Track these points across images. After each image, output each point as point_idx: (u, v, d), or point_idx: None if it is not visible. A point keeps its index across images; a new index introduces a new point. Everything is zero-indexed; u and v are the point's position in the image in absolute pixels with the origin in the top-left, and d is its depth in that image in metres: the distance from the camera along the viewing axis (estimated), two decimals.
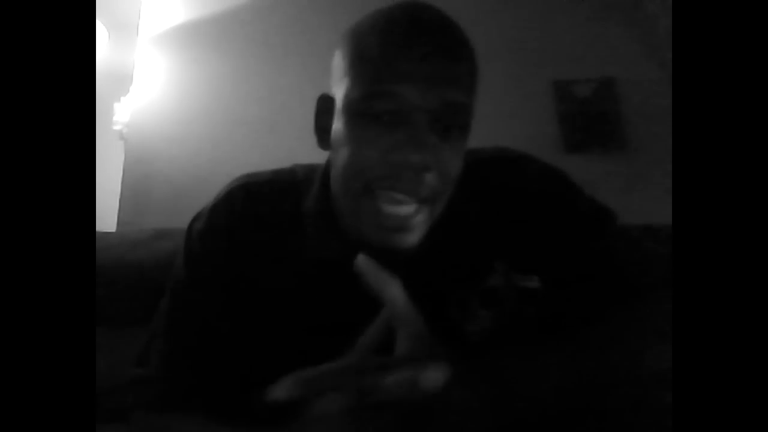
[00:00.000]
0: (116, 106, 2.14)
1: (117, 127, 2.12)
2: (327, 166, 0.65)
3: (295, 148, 0.93)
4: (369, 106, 0.54)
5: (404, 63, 0.53)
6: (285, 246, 0.64)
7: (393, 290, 0.47)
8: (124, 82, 2.03)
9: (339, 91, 0.58)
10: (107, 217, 1.80)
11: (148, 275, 0.98)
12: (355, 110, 0.55)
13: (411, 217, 0.56)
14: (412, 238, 0.56)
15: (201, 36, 1.96)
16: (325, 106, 0.62)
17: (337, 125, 0.58)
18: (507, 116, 1.77)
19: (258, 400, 0.69)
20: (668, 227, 0.48)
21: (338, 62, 0.60)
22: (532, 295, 0.63)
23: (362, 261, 0.47)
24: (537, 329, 0.63)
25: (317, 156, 0.67)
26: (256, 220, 0.64)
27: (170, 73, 1.94)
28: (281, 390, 0.41)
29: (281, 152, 0.72)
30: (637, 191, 1.66)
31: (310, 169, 0.68)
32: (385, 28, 0.56)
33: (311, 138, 0.64)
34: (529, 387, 0.53)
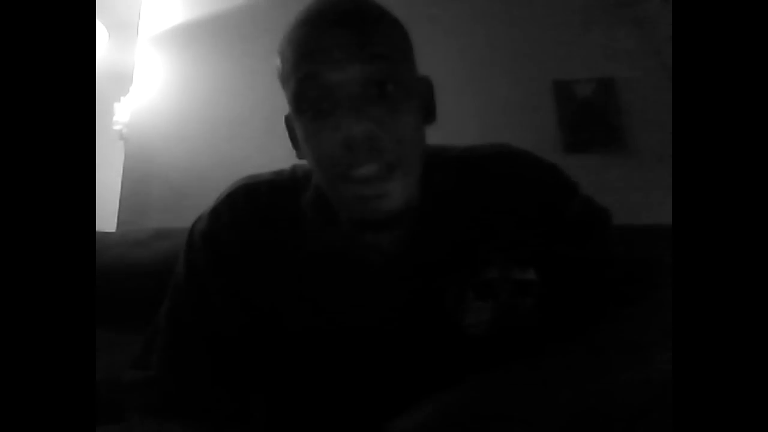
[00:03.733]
0: (116, 106, 2.13)
1: (117, 127, 2.12)
2: None
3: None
4: (303, 95, 0.57)
5: (320, 44, 0.56)
6: (286, 243, 0.65)
7: None
8: (124, 82, 2.03)
9: (288, 97, 0.60)
10: (107, 217, 1.80)
11: (148, 275, 0.98)
12: (297, 106, 0.58)
13: (383, 180, 0.56)
14: (391, 203, 0.57)
15: (201, 36, 1.96)
16: (290, 123, 0.64)
17: (297, 129, 0.61)
18: (507, 116, 1.77)
19: (257, 400, 0.69)
20: (668, 227, 0.48)
21: (279, 68, 0.61)
22: (528, 288, 0.64)
23: None
24: (535, 324, 0.64)
25: None
26: (257, 219, 0.65)
27: (170, 73, 1.94)
28: None
29: (281, 152, 0.72)
30: (637, 191, 1.66)
31: (308, 169, 0.68)
32: (304, 20, 0.59)
33: None
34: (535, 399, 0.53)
